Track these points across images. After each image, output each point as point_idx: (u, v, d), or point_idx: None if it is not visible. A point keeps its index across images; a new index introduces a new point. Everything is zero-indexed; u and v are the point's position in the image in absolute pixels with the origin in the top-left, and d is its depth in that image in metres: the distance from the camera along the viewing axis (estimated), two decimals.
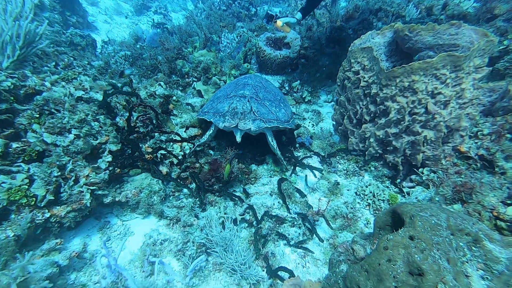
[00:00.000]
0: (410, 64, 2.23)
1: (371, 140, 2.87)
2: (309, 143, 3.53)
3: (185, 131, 2.92)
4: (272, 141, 2.84)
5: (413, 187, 2.82)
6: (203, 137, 2.80)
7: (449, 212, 1.23)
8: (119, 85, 2.58)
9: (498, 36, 3.91)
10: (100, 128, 2.05)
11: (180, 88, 4.35)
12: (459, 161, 2.41)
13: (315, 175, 3.00)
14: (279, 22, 3.82)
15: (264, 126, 2.66)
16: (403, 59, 3.16)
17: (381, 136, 2.76)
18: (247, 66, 4.10)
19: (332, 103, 5.21)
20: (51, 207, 1.88)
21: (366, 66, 2.75)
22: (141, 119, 2.37)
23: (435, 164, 2.52)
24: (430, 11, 6.23)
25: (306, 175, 3.00)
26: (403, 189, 2.83)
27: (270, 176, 3.03)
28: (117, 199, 2.16)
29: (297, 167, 3.12)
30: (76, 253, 1.92)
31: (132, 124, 2.25)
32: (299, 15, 3.92)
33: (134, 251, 2.07)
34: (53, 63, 2.82)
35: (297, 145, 3.46)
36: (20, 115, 1.91)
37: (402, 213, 1.23)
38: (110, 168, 2.06)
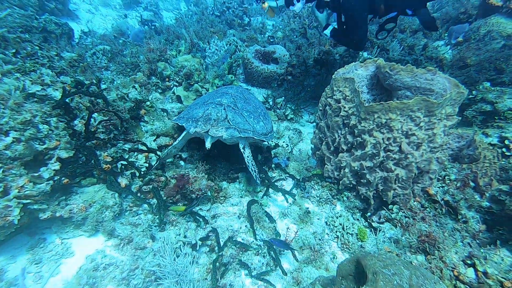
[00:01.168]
0: (388, 102, 2.27)
1: (346, 170, 2.87)
2: (285, 165, 3.48)
3: (154, 140, 2.73)
4: (244, 149, 2.74)
5: (382, 223, 2.83)
6: (170, 147, 2.62)
7: (413, 269, 1.18)
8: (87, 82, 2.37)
9: (468, 85, 4.23)
10: (50, 132, 1.82)
11: (159, 91, 4.17)
12: (426, 203, 2.46)
13: (287, 200, 2.93)
14: (266, 4, 4.03)
15: (238, 136, 2.60)
16: (383, 93, 3.26)
17: (356, 168, 2.76)
18: (231, 77, 4.03)
19: (314, 124, 5.28)
20: None
21: (348, 97, 2.78)
22: (104, 124, 2.17)
23: (404, 203, 2.56)
24: (412, 50, 6.64)
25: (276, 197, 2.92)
26: (372, 223, 2.84)
27: (241, 196, 2.91)
28: (57, 214, 1.88)
29: (269, 189, 3.04)
30: None
31: (92, 129, 2.04)
32: (281, 2, 3.99)
33: (68, 278, 1.78)
34: (13, 51, 2.53)
35: (272, 165, 3.39)
36: None
37: (366, 267, 1.17)
38: (55, 178, 1.82)
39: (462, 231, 1.91)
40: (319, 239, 2.64)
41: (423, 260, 1.67)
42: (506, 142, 2.91)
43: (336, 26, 3.91)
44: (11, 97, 1.69)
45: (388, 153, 2.47)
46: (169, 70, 4.16)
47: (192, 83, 4.05)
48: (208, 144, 2.50)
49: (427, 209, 2.44)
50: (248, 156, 2.74)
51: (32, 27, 4.58)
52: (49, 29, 4.85)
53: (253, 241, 2.49)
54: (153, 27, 7.87)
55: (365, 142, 2.58)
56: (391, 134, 2.38)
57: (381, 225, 2.81)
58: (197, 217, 2.39)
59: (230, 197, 2.83)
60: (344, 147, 2.91)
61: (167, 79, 4.18)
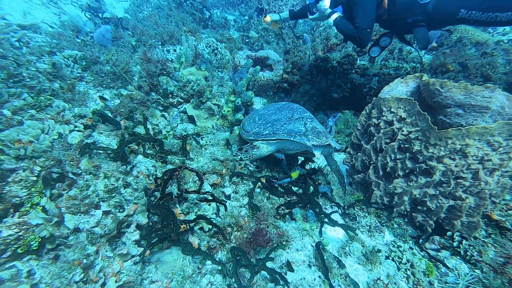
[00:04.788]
0: (467, 127, 2.45)
1: (405, 198, 2.99)
2: (331, 192, 3.47)
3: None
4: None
5: (438, 250, 3.00)
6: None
7: None
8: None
9: None
10: (130, 196, 1.45)
11: (161, 108, 3.78)
12: (489, 229, 2.74)
13: (350, 238, 2.92)
14: (269, 18, 4.39)
15: (336, 144, 3.13)
16: (424, 111, 3.53)
17: (417, 196, 2.92)
18: (251, 94, 3.89)
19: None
20: None
21: (406, 120, 2.93)
22: (169, 175, 1.83)
23: (468, 232, 2.78)
24: (391, 54, 7.30)
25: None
26: (429, 251, 2.98)
27: (302, 238, 2.80)
28: None
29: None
30: None
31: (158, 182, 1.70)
32: (285, 14, 4.33)
33: None
34: None
35: (319, 195, 3.35)
36: (9, 179, 1.17)
37: None
38: (140, 252, 1.45)
39: None
40: (395, 283, 2.67)
41: None
42: None
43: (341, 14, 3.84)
44: (83, 157, 1.29)
45: (459, 180, 2.69)
46: (172, 85, 3.81)
47: (204, 101, 3.78)
48: (319, 154, 3.00)
49: (492, 235, 2.72)
50: (337, 161, 3.28)
51: None
52: None
53: None
54: (106, 19, 6.99)
55: (434, 170, 2.74)
56: (464, 160, 2.59)
57: (438, 253, 2.98)
58: (275, 275, 2.22)
59: (293, 240, 2.69)
60: (401, 173, 3.05)
61: (170, 96, 3.81)
